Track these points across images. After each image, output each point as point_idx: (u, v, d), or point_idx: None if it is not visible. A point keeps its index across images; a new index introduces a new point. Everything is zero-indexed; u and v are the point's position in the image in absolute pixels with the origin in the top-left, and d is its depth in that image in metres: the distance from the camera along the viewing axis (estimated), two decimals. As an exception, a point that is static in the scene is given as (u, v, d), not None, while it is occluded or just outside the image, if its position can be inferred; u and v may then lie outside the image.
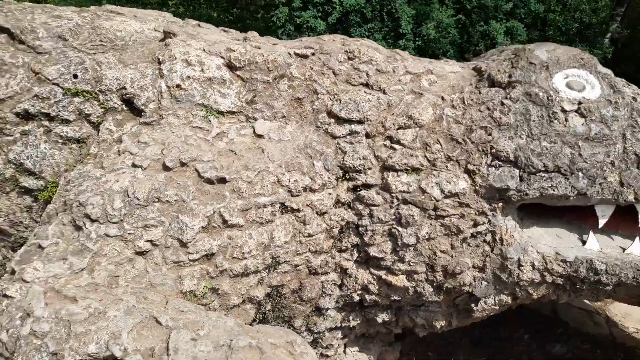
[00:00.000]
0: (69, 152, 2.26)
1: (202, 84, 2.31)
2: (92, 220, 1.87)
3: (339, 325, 2.59)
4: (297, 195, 2.18)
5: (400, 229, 2.27)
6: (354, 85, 2.41)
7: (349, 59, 2.48)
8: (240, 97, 2.35)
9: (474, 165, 2.24)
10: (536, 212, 2.43)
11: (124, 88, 2.25)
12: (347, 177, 2.31)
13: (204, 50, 2.38)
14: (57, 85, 2.24)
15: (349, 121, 2.32)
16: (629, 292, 2.43)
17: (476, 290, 2.40)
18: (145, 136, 2.16)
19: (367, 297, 2.47)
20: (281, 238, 2.14)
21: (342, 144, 2.31)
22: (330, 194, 2.28)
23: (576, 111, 2.26)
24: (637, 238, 2.37)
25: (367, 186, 2.30)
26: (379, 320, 2.60)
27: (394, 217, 2.27)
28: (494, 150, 2.23)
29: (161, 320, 1.65)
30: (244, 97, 2.35)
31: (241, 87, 2.36)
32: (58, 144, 2.25)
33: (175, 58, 2.31)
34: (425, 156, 2.27)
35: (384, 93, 2.38)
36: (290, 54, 2.47)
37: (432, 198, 2.23)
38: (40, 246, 1.82)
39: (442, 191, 2.23)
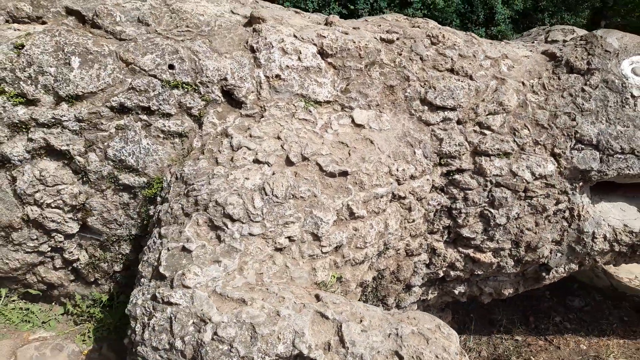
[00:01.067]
0: (171, 147, 2.19)
1: (300, 73, 2.29)
2: (234, 220, 1.86)
3: (419, 298, 2.76)
4: (403, 184, 2.26)
5: (492, 210, 2.42)
6: (441, 71, 2.47)
7: (433, 43, 2.53)
8: (335, 86, 2.35)
9: (559, 148, 2.41)
10: (602, 188, 2.66)
11: (225, 79, 2.19)
12: (442, 162, 2.41)
13: (296, 36, 2.34)
14: (155, 77, 2.14)
15: (443, 108, 2.39)
16: None
17: (551, 262, 2.63)
18: (257, 130, 2.13)
19: (452, 272, 2.63)
20: (393, 225, 2.23)
21: (437, 131, 2.40)
22: (428, 179, 2.37)
23: (645, 96, 2.46)
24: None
25: (460, 171, 2.42)
26: (456, 292, 2.79)
27: (487, 199, 2.42)
28: (578, 135, 2.40)
29: (327, 314, 1.72)
30: (338, 86, 2.36)
31: (335, 76, 2.36)
32: (159, 138, 2.17)
33: (272, 46, 2.26)
34: (514, 141, 2.41)
35: (471, 79, 2.46)
36: (377, 39, 2.48)
37: (524, 180, 2.38)
38: (185, 249, 1.80)
39: (533, 174, 2.38)
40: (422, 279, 2.62)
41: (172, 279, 1.72)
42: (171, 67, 2.15)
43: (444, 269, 2.62)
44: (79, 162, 2.13)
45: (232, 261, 1.80)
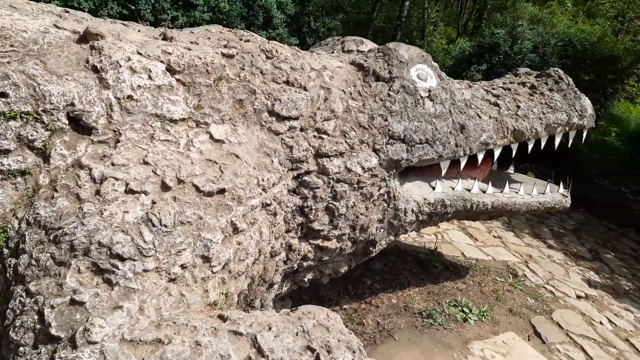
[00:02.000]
0: (13, 188, 1.85)
1: (153, 92, 2.19)
2: (124, 259, 1.74)
3: (277, 294, 2.98)
4: (268, 192, 2.42)
5: (336, 203, 2.79)
6: (279, 83, 2.69)
7: (268, 58, 2.71)
8: (188, 103, 2.33)
9: (378, 145, 2.91)
10: (403, 172, 3.30)
11: (72, 104, 1.95)
12: (294, 167, 2.65)
13: (140, 54, 2.22)
14: (-19, 108, 1.76)
15: (289, 118, 2.62)
16: (459, 215, 3.64)
17: (377, 237, 3.17)
18: (119, 158, 1.98)
19: (305, 263, 2.93)
20: (265, 232, 2.38)
21: (285, 139, 2.61)
22: (284, 184, 2.58)
23: (428, 97, 3.16)
24: (459, 179, 3.55)
25: (308, 173, 2.70)
26: (306, 280, 3.10)
27: (331, 194, 2.77)
28: (390, 132, 2.94)
29: (240, 330, 1.81)
30: (191, 103, 2.34)
31: (186, 92, 2.34)
32: (-3, 180, 1.81)
33: (120, 66, 2.10)
34: (346, 142, 2.81)
35: (305, 90, 2.74)
36: (218, 54, 2.53)
37: (357, 174, 2.81)
38: (75, 301, 1.61)
39: (363, 168, 2.83)
40: (281, 275, 2.85)
41: (72, 338, 1.54)
42: (3, 95, 1.81)
43: (299, 261, 2.89)
44: None
45: (133, 303, 1.70)
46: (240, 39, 2.80)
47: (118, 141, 2.06)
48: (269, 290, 2.83)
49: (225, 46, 2.61)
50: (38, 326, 1.58)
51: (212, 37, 2.74)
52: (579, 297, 5.16)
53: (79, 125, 2.01)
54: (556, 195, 4.18)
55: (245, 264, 2.23)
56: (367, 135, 2.88)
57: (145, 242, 1.80)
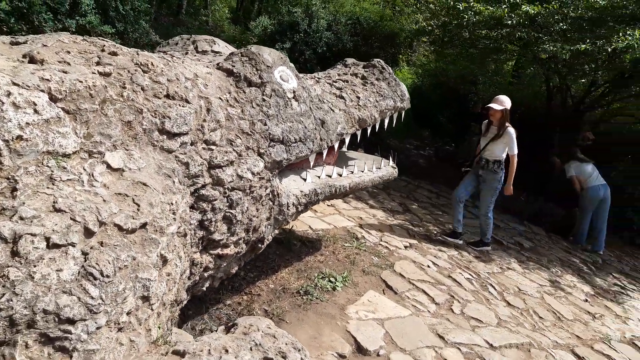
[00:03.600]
0: None
1: (42, 127, 1.94)
2: (75, 322, 1.59)
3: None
4: (177, 214, 2.38)
5: (232, 211, 2.86)
6: (160, 98, 2.59)
7: (145, 72, 2.57)
8: (77, 133, 2.11)
9: (262, 149, 3.05)
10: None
11: (-44, 156, 1.62)
12: (191, 183, 2.62)
13: (17, 84, 1.92)
14: None
15: (180, 134, 2.57)
16: (325, 199, 4.00)
17: (265, 234, 3.34)
18: (26, 210, 1.74)
19: (205, 274, 2.95)
20: (182, 255, 2.35)
21: (180, 156, 2.56)
22: (186, 202, 2.55)
23: (293, 97, 3.39)
24: (322, 168, 3.90)
25: (204, 186, 2.71)
26: (204, 289, 3.12)
27: (228, 203, 2.83)
28: (270, 135, 3.10)
29: (203, 358, 1.85)
30: (80, 132, 2.13)
31: (73, 121, 2.11)
32: None
33: (3, 102, 1.80)
34: (234, 150, 2.88)
35: (188, 102, 2.70)
36: (95, 73, 2.31)
37: (248, 180, 2.92)
38: (36, 384, 1.44)
39: (252, 173, 2.95)
40: (187, 291, 2.83)
41: None
42: None
43: (200, 273, 2.90)
44: None
45: (96, 365, 1.59)
46: (103, 50, 2.58)
47: (15, 189, 1.80)
48: (177, 309, 2.79)
49: (98, 63, 2.39)
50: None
51: (71, 51, 2.46)
52: (406, 247, 6.18)
53: (-37, 178, 1.69)
54: (389, 168, 4.91)
55: (173, 292, 2.20)
56: (251, 141, 2.98)
57: (92, 298, 1.67)
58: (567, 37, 7.96)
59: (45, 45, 2.45)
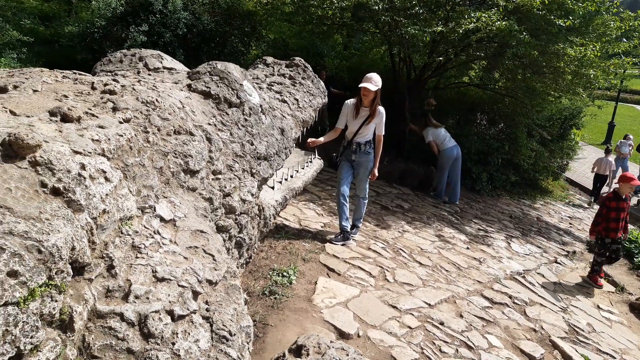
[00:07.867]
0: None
1: (114, 196, 1.81)
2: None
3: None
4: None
5: (241, 235, 2.92)
6: (171, 135, 2.51)
7: (153, 110, 2.45)
8: (131, 191, 2.00)
9: (254, 169, 3.11)
10: (253, 181, 3.57)
11: (74, 248, 1.48)
12: (214, 216, 2.62)
13: (78, 152, 1.75)
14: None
15: (198, 171, 2.53)
16: (287, 202, 4.14)
17: (255, 247, 3.43)
18: (139, 288, 1.67)
19: (218, 300, 2.96)
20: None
21: (202, 192, 2.53)
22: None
23: (261, 111, 3.47)
24: (282, 173, 4.03)
25: (221, 217, 2.72)
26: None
27: (238, 229, 2.88)
28: (258, 154, 3.16)
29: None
30: (133, 190, 2.02)
31: (125, 180, 1.98)
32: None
33: (85, 178, 1.65)
34: (235, 175, 2.90)
35: (192, 134, 2.64)
36: (121, 120, 2.15)
37: (249, 202, 2.99)
38: None
39: (252, 195, 3.02)
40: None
41: None
42: (14, 274, 1.24)
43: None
44: None
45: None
46: (94, 88, 2.38)
47: (112, 267, 1.70)
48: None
49: (114, 109, 2.22)
50: None
51: (68, 95, 2.23)
52: (322, 227, 6.61)
53: (74, 268, 1.55)
54: (317, 160, 5.22)
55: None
56: (244, 163, 3.03)
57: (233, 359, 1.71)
58: (421, 19, 8.98)
59: (36, 91, 2.18)
